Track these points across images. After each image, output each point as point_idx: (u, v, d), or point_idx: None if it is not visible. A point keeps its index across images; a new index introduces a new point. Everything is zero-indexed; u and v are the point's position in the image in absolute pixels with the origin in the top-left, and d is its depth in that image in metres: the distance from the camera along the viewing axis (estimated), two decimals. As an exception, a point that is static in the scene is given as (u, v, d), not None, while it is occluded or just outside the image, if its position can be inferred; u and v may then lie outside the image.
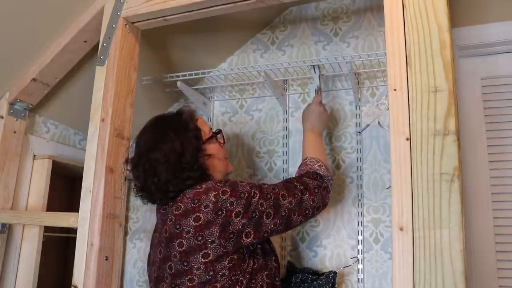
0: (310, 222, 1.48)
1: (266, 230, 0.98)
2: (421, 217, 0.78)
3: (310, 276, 1.29)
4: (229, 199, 0.94)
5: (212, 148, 1.09)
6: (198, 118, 1.11)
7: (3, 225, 1.34)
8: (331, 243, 1.44)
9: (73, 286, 1.07)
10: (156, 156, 0.99)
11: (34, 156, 1.45)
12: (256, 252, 1.01)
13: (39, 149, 1.47)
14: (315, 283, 1.25)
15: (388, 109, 0.87)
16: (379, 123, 1.25)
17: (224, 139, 1.18)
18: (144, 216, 1.75)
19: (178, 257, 0.95)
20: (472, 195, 1.40)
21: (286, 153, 1.57)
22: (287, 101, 1.61)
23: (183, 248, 0.94)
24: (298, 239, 1.49)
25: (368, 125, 1.42)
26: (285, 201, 1.00)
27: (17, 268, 1.36)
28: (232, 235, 0.94)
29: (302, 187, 1.05)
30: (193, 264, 0.93)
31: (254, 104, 1.67)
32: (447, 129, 0.80)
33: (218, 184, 0.98)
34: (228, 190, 0.96)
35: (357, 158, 1.47)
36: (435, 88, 0.82)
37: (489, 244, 1.36)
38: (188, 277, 0.93)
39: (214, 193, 0.95)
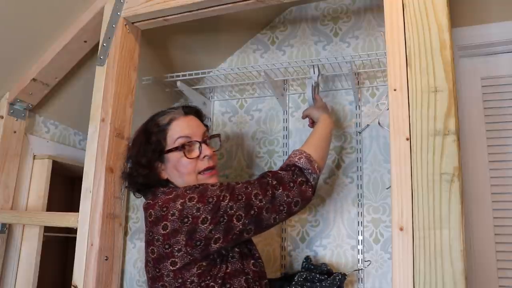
0: (310, 222, 1.48)
1: (234, 233, 0.93)
2: (421, 217, 0.78)
3: (318, 275, 1.24)
4: (196, 206, 0.91)
5: (173, 160, 1.03)
6: (173, 123, 1.04)
7: (3, 225, 1.34)
8: (331, 243, 1.44)
9: (73, 286, 1.06)
10: (128, 155, 1.09)
11: (34, 156, 1.45)
12: (232, 256, 0.97)
13: (39, 149, 1.47)
14: (317, 284, 1.22)
15: (388, 109, 0.87)
16: (379, 123, 1.25)
17: (200, 152, 1.04)
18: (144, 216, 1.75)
19: (152, 263, 0.96)
20: (472, 195, 1.40)
21: (286, 153, 1.57)
22: (287, 101, 1.61)
23: (155, 255, 0.95)
24: (298, 239, 1.49)
25: (368, 125, 1.42)
26: (257, 199, 0.94)
27: (17, 268, 1.36)
28: (199, 243, 0.91)
29: (275, 182, 0.98)
30: (163, 272, 0.94)
31: (254, 104, 1.67)
32: (447, 129, 0.80)
33: (187, 191, 0.95)
34: (196, 197, 0.92)
35: (357, 158, 1.47)
36: (435, 88, 0.82)
37: (489, 244, 1.36)
38: (161, 283, 0.94)
39: (181, 200, 0.93)
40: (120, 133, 1.16)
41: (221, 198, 0.92)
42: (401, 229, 0.79)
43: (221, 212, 0.91)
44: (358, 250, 1.39)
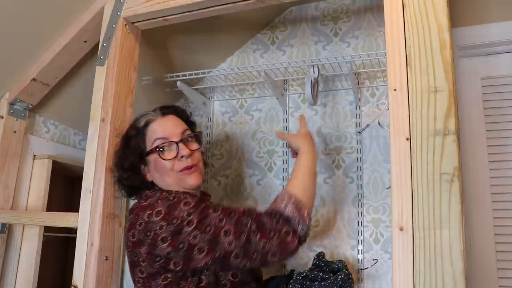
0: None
1: (196, 266, 0.88)
2: (421, 217, 0.78)
3: (321, 274, 1.17)
4: (160, 223, 0.88)
5: (153, 162, 1.03)
6: (150, 125, 1.05)
7: (3, 225, 1.34)
8: (331, 243, 1.44)
9: (73, 286, 1.06)
10: (113, 160, 1.11)
11: (34, 156, 1.45)
12: (208, 268, 0.92)
13: (39, 149, 1.47)
14: (316, 283, 1.14)
15: (388, 109, 0.87)
16: (379, 123, 1.25)
17: (177, 151, 1.02)
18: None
19: (130, 267, 0.99)
20: (472, 195, 1.40)
21: (286, 153, 1.57)
22: (287, 101, 1.61)
23: (129, 260, 0.98)
24: (298, 239, 1.49)
25: (368, 125, 1.42)
26: (226, 239, 0.86)
27: (17, 268, 1.36)
28: (158, 259, 0.90)
29: (254, 227, 0.88)
30: (135, 278, 0.96)
31: (254, 104, 1.67)
32: (447, 129, 0.80)
33: (159, 200, 0.94)
34: (163, 212, 0.90)
35: (357, 158, 1.47)
36: (435, 88, 0.82)
37: (489, 244, 1.36)
38: (136, 287, 0.98)
39: (149, 212, 0.92)
40: (120, 133, 1.16)
41: (185, 223, 0.87)
42: (401, 229, 0.79)
43: (182, 237, 0.87)
44: (358, 250, 1.39)
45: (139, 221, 0.92)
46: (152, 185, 1.06)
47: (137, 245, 0.93)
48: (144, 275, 0.93)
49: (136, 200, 1.06)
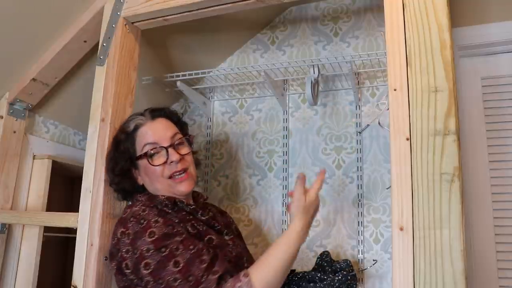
0: (310, 222, 1.48)
1: None
2: (421, 217, 0.78)
3: (319, 275, 1.13)
4: (126, 246, 0.89)
5: (142, 167, 1.03)
6: (140, 129, 1.04)
7: (3, 225, 1.34)
8: (331, 243, 1.44)
9: (73, 286, 1.06)
10: (105, 165, 1.10)
11: (34, 156, 1.45)
12: None
13: (38, 149, 1.46)
14: (312, 284, 1.11)
15: (388, 109, 0.87)
16: (379, 123, 1.25)
17: (166, 159, 1.00)
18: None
19: None
20: (472, 195, 1.40)
21: (286, 153, 1.56)
22: (287, 101, 1.61)
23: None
24: (298, 239, 1.49)
25: (368, 125, 1.42)
26: None
27: (17, 268, 1.36)
28: (125, 277, 0.91)
29: None
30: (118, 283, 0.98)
31: (254, 104, 1.67)
32: (447, 129, 0.80)
33: (131, 219, 0.92)
34: (130, 236, 0.89)
35: (357, 158, 1.47)
36: (435, 88, 0.82)
37: (489, 244, 1.36)
38: None
39: (122, 229, 0.92)
40: (120, 133, 1.16)
41: (142, 264, 0.86)
42: (401, 229, 0.79)
43: (139, 274, 0.87)
44: (358, 250, 1.39)
45: (115, 235, 0.94)
46: (143, 189, 1.06)
47: (111, 257, 0.96)
48: (121, 285, 0.95)
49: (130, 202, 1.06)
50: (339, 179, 1.48)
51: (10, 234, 1.37)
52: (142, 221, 0.90)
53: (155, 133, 1.03)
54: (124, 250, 0.89)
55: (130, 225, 0.90)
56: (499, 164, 1.40)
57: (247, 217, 1.58)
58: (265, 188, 1.58)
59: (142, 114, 1.08)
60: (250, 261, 1.03)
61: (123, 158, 1.04)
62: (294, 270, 1.19)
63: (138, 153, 1.02)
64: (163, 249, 0.85)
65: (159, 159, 1.01)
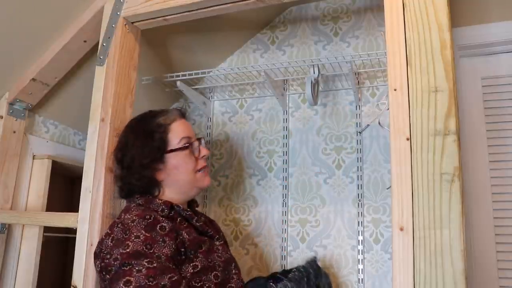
0: (310, 222, 1.48)
1: None
2: (421, 217, 0.78)
3: (278, 275, 1.13)
4: (107, 249, 0.88)
5: (176, 160, 1.02)
6: (173, 124, 1.05)
7: (3, 225, 1.34)
8: (331, 243, 1.44)
9: (73, 286, 1.06)
10: (117, 156, 1.06)
11: (34, 156, 1.45)
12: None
13: (38, 149, 1.46)
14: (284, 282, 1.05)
15: (388, 109, 0.87)
16: (379, 123, 1.25)
17: (199, 151, 1.07)
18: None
19: None
20: (472, 195, 1.40)
21: (286, 153, 1.56)
22: (287, 101, 1.61)
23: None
24: (298, 239, 1.49)
25: (368, 125, 1.42)
26: None
27: (17, 268, 1.36)
28: (106, 282, 0.88)
29: None
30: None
31: (254, 104, 1.67)
32: (447, 129, 0.80)
33: (119, 226, 0.90)
34: (113, 241, 0.88)
35: (357, 158, 1.46)
36: (436, 88, 0.82)
37: (489, 244, 1.36)
38: None
39: (108, 231, 0.91)
40: (119, 133, 1.16)
41: (107, 270, 0.85)
42: (401, 229, 0.79)
43: (104, 276, 0.86)
44: (358, 250, 1.39)
45: (103, 239, 0.91)
46: (146, 189, 1.02)
47: (95, 256, 0.93)
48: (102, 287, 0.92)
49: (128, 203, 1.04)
50: (339, 179, 1.48)
51: (10, 234, 1.37)
52: (126, 231, 0.89)
53: (187, 129, 1.08)
54: (107, 253, 0.87)
55: (116, 230, 0.90)
56: (499, 164, 1.40)
57: (247, 217, 1.58)
58: (265, 188, 1.58)
59: (167, 111, 1.09)
60: (237, 267, 1.06)
61: (156, 148, 1.01)
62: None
63: (174, 146, 1.02)
64: (125, 265, 0.83)
65: (195, 153, 1.07)
